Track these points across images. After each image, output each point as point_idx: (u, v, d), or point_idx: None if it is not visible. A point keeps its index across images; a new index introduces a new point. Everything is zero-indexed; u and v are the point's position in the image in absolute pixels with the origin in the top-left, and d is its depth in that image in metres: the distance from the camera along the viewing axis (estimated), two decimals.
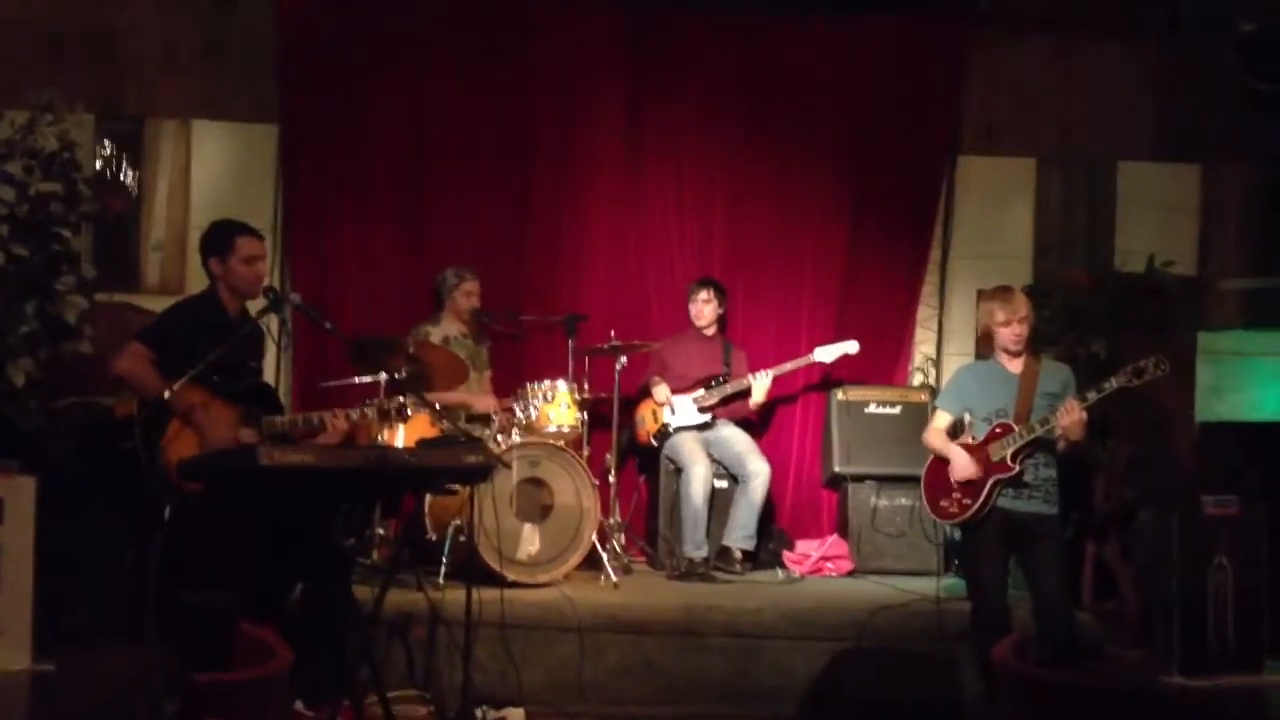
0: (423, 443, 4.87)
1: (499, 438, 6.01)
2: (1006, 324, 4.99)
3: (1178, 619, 3.50)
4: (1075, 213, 7.61)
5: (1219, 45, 7.08)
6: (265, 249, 5.04)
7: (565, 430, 6.20)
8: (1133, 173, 7.58)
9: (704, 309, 6.96)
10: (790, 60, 7.42)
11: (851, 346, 6.93)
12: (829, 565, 6.82)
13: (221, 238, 4.91)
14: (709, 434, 6.81)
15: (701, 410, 6.79)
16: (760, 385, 6.77)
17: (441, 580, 5.67)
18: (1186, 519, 3.57)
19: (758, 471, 6.65)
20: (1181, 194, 7.55)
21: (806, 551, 6.89)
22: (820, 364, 7.03)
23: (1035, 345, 5.23)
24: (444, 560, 5.75)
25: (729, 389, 6.83)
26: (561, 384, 6.25)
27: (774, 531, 7.03)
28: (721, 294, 7.00)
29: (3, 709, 2.12)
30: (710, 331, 7.02)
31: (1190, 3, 7.14)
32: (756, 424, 7.18)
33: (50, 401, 5.75)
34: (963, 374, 5.34)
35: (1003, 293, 5.10)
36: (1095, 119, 7.56)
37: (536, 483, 5.99)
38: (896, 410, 7.09)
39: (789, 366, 6.93)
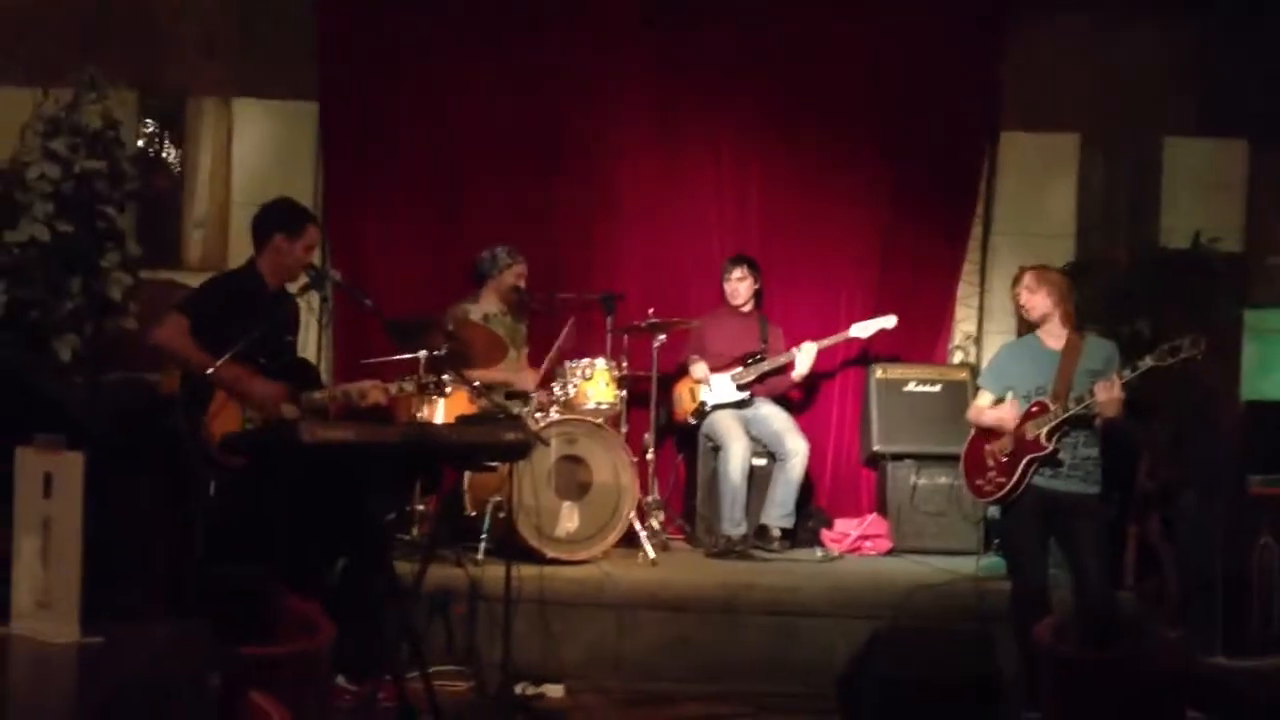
0: (462, 419, 4.90)
1: (537, 415, 6.03)
2: (1015, 296, 5.12)
3: (1220, 599, 3.47)
4: (1119, 189, 7.52)
5: (1265, 19, 6.98)
6: (319, 237, 5.05)
7: (604, 408, 6.21)
8: (1178, 148, 7.47)
9: (739, 286, 6.94)
10: (825, 36, 7.34)
11: (889, 321, 6.89)
12: (867, 544, 6.81)
13: (296, 220, 4.91)
14: (747, 412, 6.80)
15: (740, 388, 6.78)
16: (805, 358, 6.74)
17: (481, 557, 5.69)
18: (1231, 498, 3.54)
19: (796, 449, 6.64)
20: (1228, 170, 7.44)
21: (845, 530, 6.87)
22: (858, 340, 6.99)
23: (1080, 322, 5.19)
24: (483, 537, 5.77)
25: (766, 366, 6.81)
26: (600, 362, 6.25)
27: (812, 510, 7.02)
28: (755, 270, 6.97)
29: (52, 680, 2.15)
30: (747, 309, 7.01)
31: None
32: (795, 402, 7.16)
33: (95, 377, 5.82)
34: (1004, 352, 5.33)
35: (1019, 272, 5.14)
36: (1139, 94, 7.45)
37: (575, 460, 6.00)
38: (936, 389, 7.05)
39: (828, 342, 6.88)
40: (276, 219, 4.93)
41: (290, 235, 4.87)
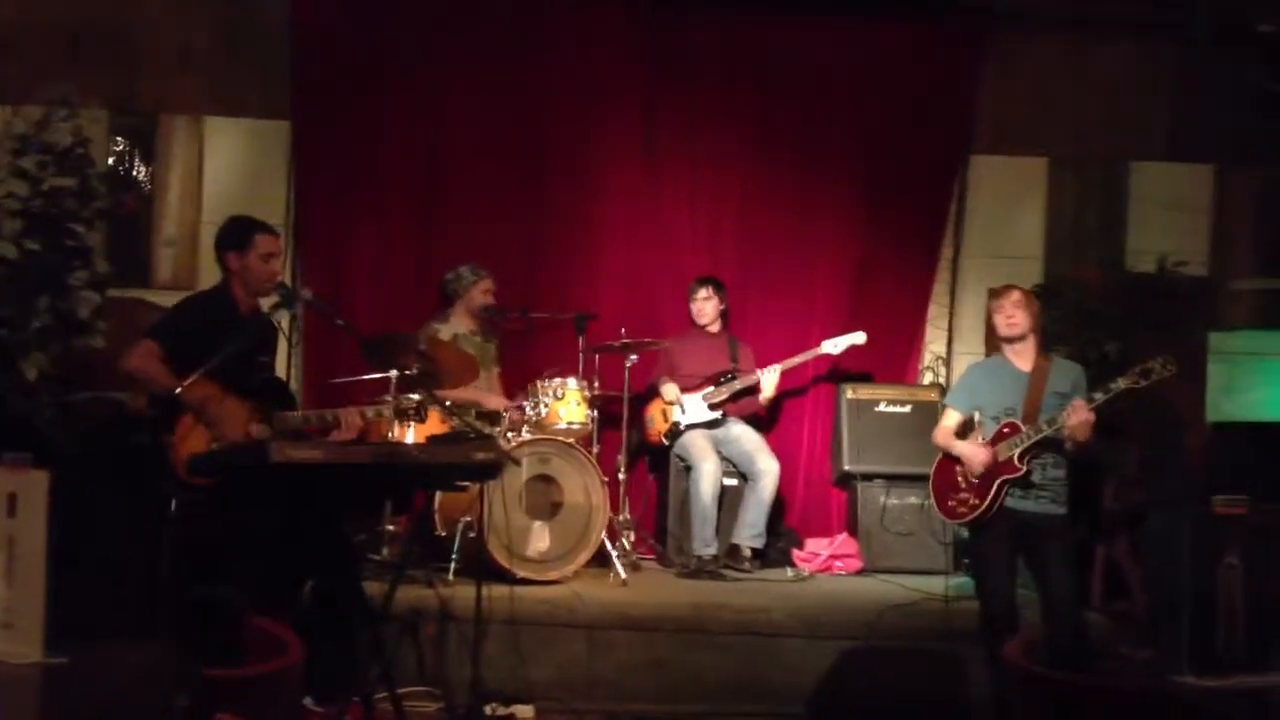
0: (433, 439, 4.88)
1: (509, 435, 6.02)
2: (997, 311, 5.07)
3: (1187, 619, 3.49)
4: (1087, 213, 7.60)
5: (1234, 46, 7.07)
6: (281, 246, 5.05)
7: (575, 427, 6.21)
8: (1146, 173, 7.56)
9: (705, 306, 6.97)
10: (805, 59, 7.43)
11: (859, 338, 6.93)
12: (838, 564, 6.82)
13: (240, 233, 4.91)
14: (719, 432, 6.81)
15: (712, 407, 6.79)
16: (769, 380, 6.77)
17: (451, 577, 5.68)
18: (1197, 518, 3.57)
19: (767, 469, 6.65)
20: (1194, 194, 7.54)
21: (816, 550, 6.89)
22: (829, 356, 7.02)
23: (1047, 345, 5.23)
24: (454, 557, 5.76)
25: (738, 385, 6.82)
26: (571, 381, 6.26)
27: (783, 530, 7.04)
28: (721, 290, 7.00)
29: (15, 702, 2.13)
30: (714, 329, 7.02)
31: (1206, 3, 7.12)
32: (766, 422, 7.18)
33: (63, 396, 5.76)
34: (973, 372, 5.35)
35: (1002, 288, 5.16)
36: (1108, 119, 7.54)
37: (546, 480, 6.00)
38: (906, 409, 7.09)
39: (796, 360, 6.92)
40: (222, 239, 4.95)
41: (239, 250, 4.86)
